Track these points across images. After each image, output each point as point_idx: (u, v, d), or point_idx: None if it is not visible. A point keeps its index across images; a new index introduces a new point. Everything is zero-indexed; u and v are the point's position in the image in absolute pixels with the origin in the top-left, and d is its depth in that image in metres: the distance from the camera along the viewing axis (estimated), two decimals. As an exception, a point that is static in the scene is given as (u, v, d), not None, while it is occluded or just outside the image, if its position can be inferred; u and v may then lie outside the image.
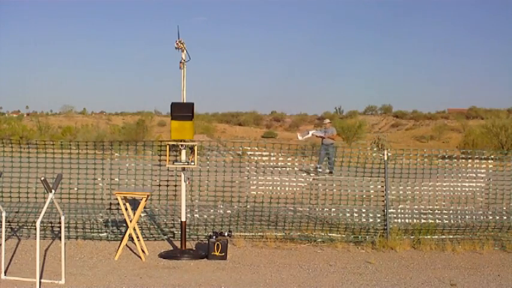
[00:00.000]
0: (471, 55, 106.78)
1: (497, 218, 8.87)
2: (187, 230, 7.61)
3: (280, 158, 8.89)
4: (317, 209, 8.86)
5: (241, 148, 8.85)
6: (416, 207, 8.83)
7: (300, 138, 16.59)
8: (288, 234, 8.32)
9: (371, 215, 8.64)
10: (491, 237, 8.45)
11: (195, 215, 8.54)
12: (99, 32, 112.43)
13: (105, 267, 6.73)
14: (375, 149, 18.27)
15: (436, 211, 8.81)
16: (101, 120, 65.21)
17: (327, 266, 7.10)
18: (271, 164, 8.80)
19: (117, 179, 8.46)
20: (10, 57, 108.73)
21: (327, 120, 17.42)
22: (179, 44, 7.17)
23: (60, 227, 6.53)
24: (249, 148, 8.84)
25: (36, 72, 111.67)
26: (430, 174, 8.92)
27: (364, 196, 8.77)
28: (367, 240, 8.25)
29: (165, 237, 8.24)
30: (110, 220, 8.32)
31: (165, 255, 7.26)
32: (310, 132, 16.36)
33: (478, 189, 8.96)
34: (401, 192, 8.83)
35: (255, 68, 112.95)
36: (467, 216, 8.87)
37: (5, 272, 6.18)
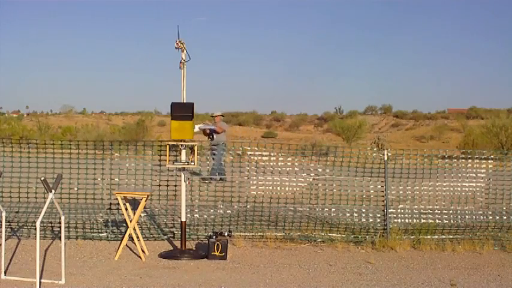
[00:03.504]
0: (471, 55, 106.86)
1: (497, 218, 8.87)
2: (187, 230, 7.61)
3: (280, 158, 8.89)
4: (317, 209, 8.85)
5: (241, 148, 8.85)
6: (416, 207, 8.83)
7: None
8: (288, 234, 8.32)
9: (371, 215, 8.63)
10: (491, 237, 8.45)
11: (195, 215, 8.54)
12: (99, 32, 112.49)
13: (105, 267, 6.73)
14: (375, 149, 18.00)
15: (436, 211, 8.81)
16: (101, 120, 65.21)
17: (327, 266, 7.10)
18: (272, 164, 8.79)
19: (117, 179, 8.46)
20: (10, 57, 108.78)
21: (218, 113, 14.08)
22: (179, 44, 7.17)
23: (60, 227, 6.54)
24: (249, 148, 8.84)
25: (36, 72, 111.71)
26: (430, 174, 8.91)
27: (364, 196, 8.77)
28: (367, 240, 8.25)
29: (165, 237, 8.24)
30: (110, 220, 8.32)
31: (165, 255, 7.26)
32: (197, 127, 13.33)
33: (478, 189, 8.95)
34: (401, 192, 8.83)
35: (255, 68, 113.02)
36: (467, 216, 8.87)
37: (5, 272, 6.18)
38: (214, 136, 13.42)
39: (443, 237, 8.43)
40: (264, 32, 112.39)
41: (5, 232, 6.98)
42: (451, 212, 8.87)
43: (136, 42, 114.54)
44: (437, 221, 8.69)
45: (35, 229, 5.80)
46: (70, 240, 7.88)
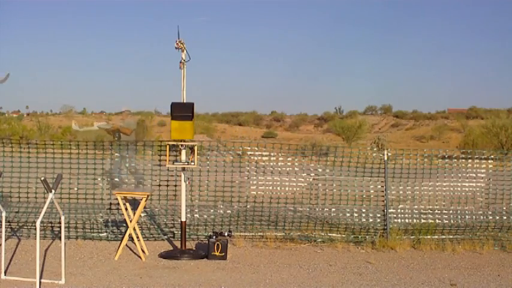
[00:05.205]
0: (471, 55, 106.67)
1: (497, 218, 8.88)
2: (187, 230, 7.62)
3: (280, 158, 8.89)
4: (317, 209, 8.86)
5: (241, 148, 8.85)
6: (416, 207, 8.83)
7: (74, 128, 11.77)
8: (288, 234, 8.33)
9: (371, 215, 8.64)
10: (491, 237, 8.46)
11: (195, 215, 8.54)
12: (99, 32, 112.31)
13: (105, 267, 6.73)
14: (375, 149, 17.96)
15: (436, 211, 8.81)
16: (101, 120, 65.18)
17: (327, 266, 7.10)
18: (272, 164, 8.80)
19: (117, 179, 8.46)
20: (10, 57, 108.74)
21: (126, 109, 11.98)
22: (179, 44, 7.18)
23: (60, 227, 6.54)
24: (249, 148, 8.84)
25: (36, 72, 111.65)
26: (430, 174, 8.92)
27: (364, 196, 8.78)
28: (367, 240, 8.26)
29: (165, 237, 8.25)
30: (110, 220, 8.33)
31: (165, 255, 7.26)
32: (96, 125, 12.28)
33: (478, 189, 8.96)
34: (401, 192, 8.83)
35: (255, 68, 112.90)
36: (467, 216, 8.87)
37: (5, 272, 6.18)
38: (121, 135, 11.87)
39: (443, 237, 8.43)
40: (264, 32, 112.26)
41: (5, 232, 6.98)
42: (451, 212, 8.88)
43: (137, 42, 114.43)
44: (437, 221, 8.70)
45: (35, 229, 5.80)
46: (70, 240, 7.89)
